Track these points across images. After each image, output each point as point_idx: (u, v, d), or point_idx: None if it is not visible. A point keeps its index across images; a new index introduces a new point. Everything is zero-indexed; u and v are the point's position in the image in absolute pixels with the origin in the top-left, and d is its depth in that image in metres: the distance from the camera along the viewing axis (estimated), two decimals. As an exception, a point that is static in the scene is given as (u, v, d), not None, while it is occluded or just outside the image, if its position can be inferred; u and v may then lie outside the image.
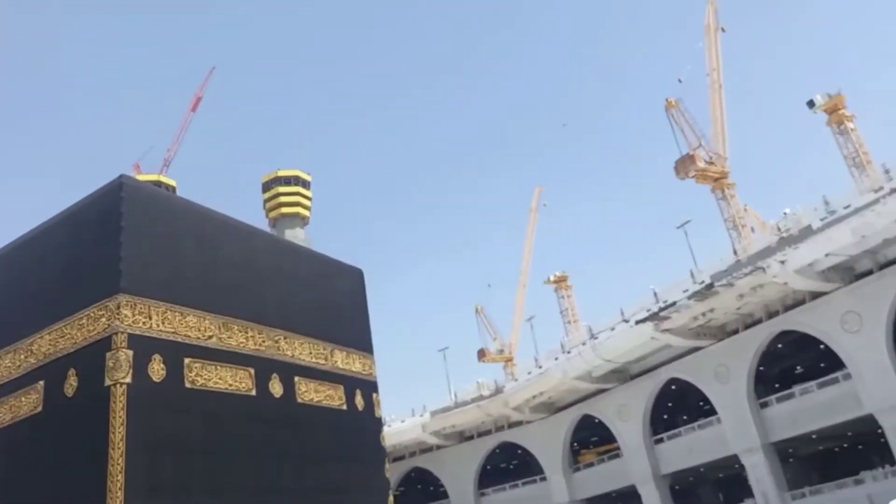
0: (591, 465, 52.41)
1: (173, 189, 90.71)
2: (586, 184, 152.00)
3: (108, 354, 9.09)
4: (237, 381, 10.49)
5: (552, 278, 73.44)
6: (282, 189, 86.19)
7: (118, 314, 9.24)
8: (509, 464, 57.02)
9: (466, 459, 54.46)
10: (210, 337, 10.33)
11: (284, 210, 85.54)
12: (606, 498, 50.71)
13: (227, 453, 10.04)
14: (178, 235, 10.51)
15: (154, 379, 9.34)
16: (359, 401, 12.83)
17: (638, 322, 40.79)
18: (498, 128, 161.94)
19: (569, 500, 51.14)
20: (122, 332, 9.17)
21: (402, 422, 54.16)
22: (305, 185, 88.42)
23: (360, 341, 13.55)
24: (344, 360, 12.83)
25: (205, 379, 10.02)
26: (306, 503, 10.97)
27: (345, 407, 12.47)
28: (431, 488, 58.08)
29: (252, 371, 10.79)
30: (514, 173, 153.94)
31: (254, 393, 10.71)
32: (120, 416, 8.76)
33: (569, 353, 45.98)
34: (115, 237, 9.60)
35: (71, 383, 9.47)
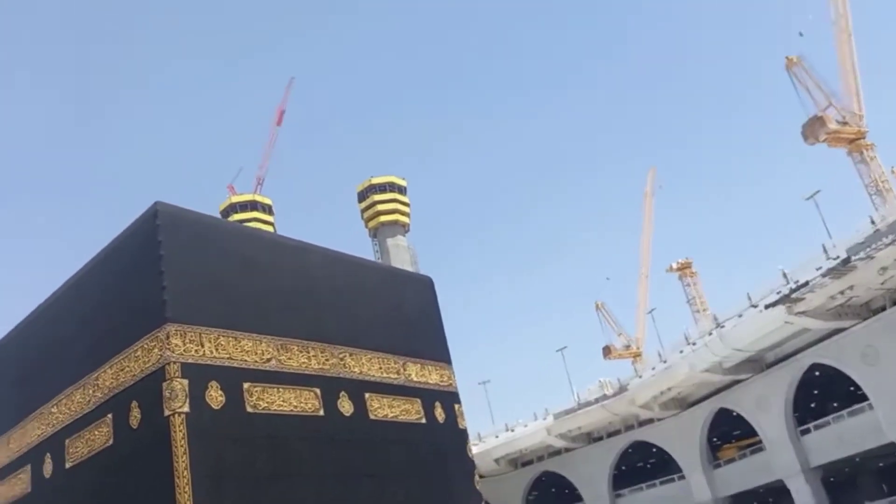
0: (732, 460, 50.28)
1: (269, 207, 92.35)
2: (704, 162, 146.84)
3: (164, 385, 9.25)
4: (302, 402, 10.48)
5: (675, 266, 71.31)
6: (377, 197, 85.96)
7: (168, 344, 9.39)
8: (644, 463, 55.52)
9: (598, 461, 53.38)
10: (269, 360, 10.36)
11: (383, 218, 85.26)
12: (752, 494, 48.51)
13: (297, 477, 10.03)
14: (223, 259, 10.59)
15: (213, 406, 9.43)
16: (439, 413, 12.61)
17: (768, 306, 38.70)
18: (604, 111, 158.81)
19: (711, 498, 49.25)
20: (175, 362, 9.31)
21: (525, 426, 53.73)
22: (401, 190, 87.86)
23: (436, 352, 13.34)
24: (419, 373, 12.64)
25: (267, 402, 10.04)
26: (386, 524, 10.83)
27: (423, 421, 12.28)
28: (566, 491, 57.30)
29: (318, 391, 10.75)
30: (625, 158, 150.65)
31: (321, 413, 10.67)
32: (182, 446, 8.88)
33: (694, 344, 44.23)
34: (155, 267, 9.77)
35: (135, 415, 9.70)
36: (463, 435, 12.97)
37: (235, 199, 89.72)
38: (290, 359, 10.67)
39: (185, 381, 9.26)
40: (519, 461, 58.51)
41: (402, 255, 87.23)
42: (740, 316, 42.04)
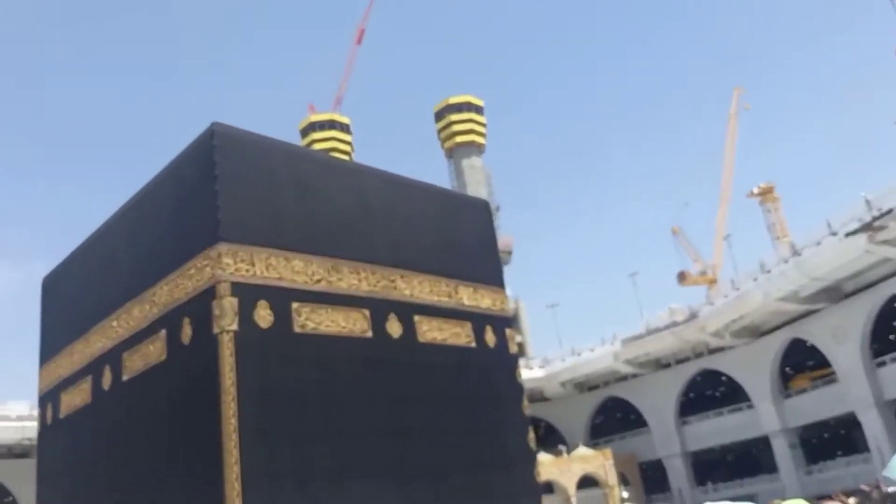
0: (803, 391, 49.71)
1: (347, 126, 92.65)
2: (790, 85, 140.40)
3: (214, 303, 9.44)
4: (351, 323, 10.59)
5: (756, 191, 69.26)
6: (454, 117, 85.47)
7: (219, 263, 9.54)
8: (713, 391, 55.27)
9: (665, 388, 53.37)
10: (319, 280, 10.47)
11: (459, 139, 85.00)
12: (822, 426, 47.99)
13: (345, 397, 10.19)
14: (277, 179, 10.64)
15: (261, 325, 9.60)
16: (489, 338, 12.60)
17: (848, 234, 37.43)
18: (689, 26, 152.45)
19: (780, 427, 48.92)
20: (225, 281, 9.48)
21: (592, 350, 53.89)
22: (479, 110, 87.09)
23: (489, 276, 13.23)
24: (471, 297, 12.61)
25: (315, 323, 10.18)
26: (433, 445, 10.95)
27: (473, 345, 12.28)
28: (632, 417, 57.64)
29: (367, 312, 10.84)
30: (710, 82, 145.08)
31: (370, 335, 10.77)
32: (229, 363, 9.09)
33: (769, 272, 43.25)
34: (210, 187, 9.88)
35: (186, 332, 9.97)
36: (513, 360, 12.93)
37: (315, 117, 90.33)
38: (340, 280, 10.76)
39: (235, 300, 9.43)
40: (585, 385, 58.92)
41: (476, 176, 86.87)
42: (819, 244, 40.83)
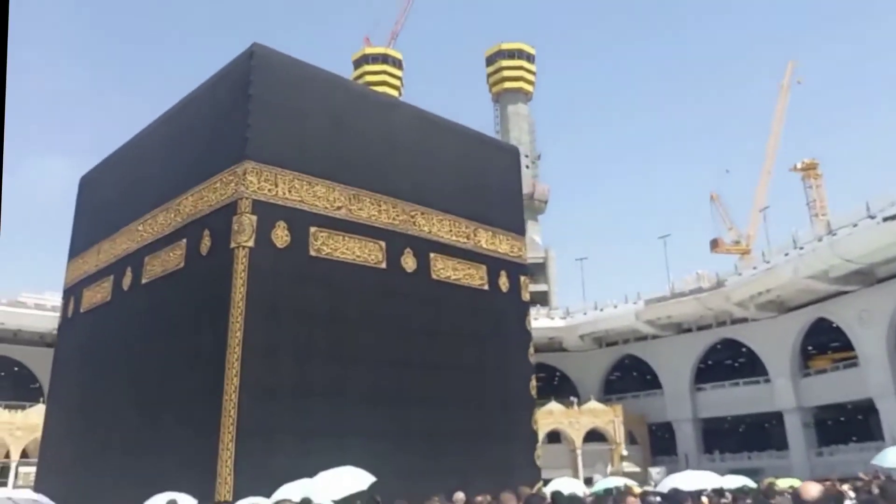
0: (823, 371, 49.32)
1: (399, 62, 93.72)
2: (844, 58, 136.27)
3: (234, 218, 9.75)
4: (366, 252, 10.87)
5: (799, 166, 67.86)
6: (505, 63, 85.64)
7: (244, 180, 9.82)
8: (732, 361, 55.14)
9: (683, 352, 53.27)
10: (339, 208, 10.71)
11: (507, 84, 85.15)
12: (839, 408, 47.80)
13: (352, 323, 10.54)
14: (310, 105, 10.82)
15: (277, 245, 9.91)
16: (503, 282, 12.86)
17: (886, 219, 36.73)
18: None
19: (795, 405, 48.83)
20: (247, 198, 9.77)
21: (615, 307, 53.83)
22: (529, 58, 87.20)
23: (510, 222, 13.44)
24: (489, 241, 12.83)
25: (331, 248, 10.47)
26: (435, 378, 11.33)
27: (486, 287, 12.56)
28: (648, 377, 57.78)
29: (383, 244, 11.11)
30: (764, 48, 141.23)
31: (384, 266, 11.05)
32: (241, 278, 9.44)
33: (801, 248, 42.64)
34: (243, 105, 10.12)
35: (205, 243, 10.33)
36: (524, 306, 13.22)
37: (369, 50, 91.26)
38: (360, 209, 10.99)
39: (254, 218, 9.73)
40: (604, 341, 59.03)
41: (520, 122, 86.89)
42: (855, 225, 40.06)
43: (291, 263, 10.02)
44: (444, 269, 11.91)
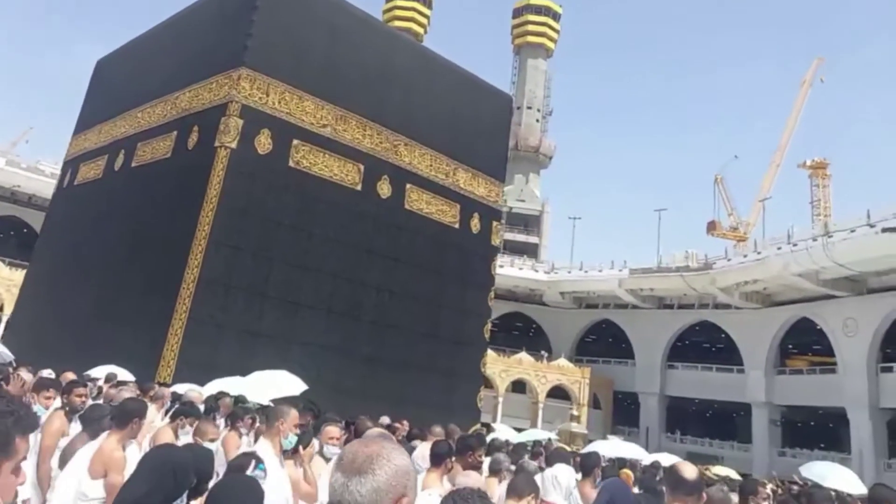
0: (798, 371, 50.25)
1: (429, 1, 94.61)
2: (867, 58, 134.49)
3: (222, 119, 10.38)
4: (343, 173, 11.53)
5: (809, 163, 68.04)
6: (531, 17, 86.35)
7: (237, 85, 10.43)
8: (710, 345, 56.05)
9: (661, 327, 54.16)
10: (325, 126, 11.33)
11: (530, 38, 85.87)
12: (810, 411, 48.78)
13: (318, 236, 11.24)
14: (313, 24, 11.35)
15: (259, 151, 10.57)
16: (475, 224, 13.53)
17: (885, 230, 37.23)
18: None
19: (765, 400, 49.85)
20: (237, 102, 10.39)
21: (599, 271, 54.58)
22: (556, 16, 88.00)
23: (492, 167, 14.04)
24: (467, 181, 13.46)
25: (310, 163, 11.13)
26: (392, 303, 12.08)
27: (457, 225, 13.23)
28: (623, 345, 58.77)
29: (361, 167, 11.75)
30: (790, 39, 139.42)
31: (359, 188, 11.72)
32: (219, 176, 10.12)
33: (795, 245, 43.21)
34: (248, 15, 10.66)
35: (193, 138, 10.98)
36: (492, 250, 13.90)
37: None
38: (345, 130, 11.60)
39: (241, 121, 10.36)
40: (584, 302, 59.93)
41: (537, 77, 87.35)
42: (853, 231, 40.55)
43: (269, 170, 10.67)
44: (419, 201, 12.56)
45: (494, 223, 13.49)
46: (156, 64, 12.95)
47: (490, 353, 52.41)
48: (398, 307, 11.96)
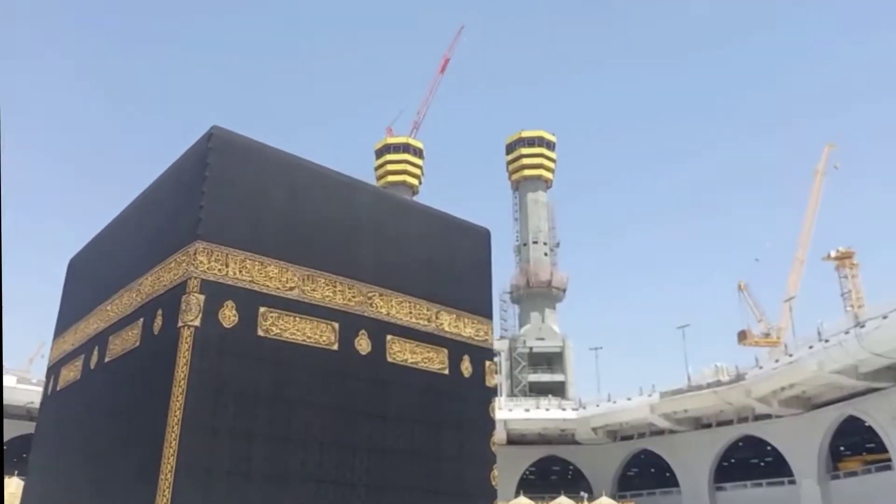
0: (853, 473, 48.58)
1: (420, 151, 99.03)
2: (882, 142, 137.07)
3: (183, 298, 10.30)
4: (317, 334, 11.32)
5: (833, 254, 68.21)
6: (525, 150, 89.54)
7: (194, 260, 10.41)
8: (757, 460, 54.41)
9: (702, 449, 52.78)
10: (292, 288, 11.23)
11: (526, 172, 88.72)
12: (872, 514, 46.70)
13: (299, 404, 10.91)
14: (267, 186, 11.46)
15: (224, 325, 10.41)
16: (466, 367, 13.19)
17: (919, 311, 36.74)
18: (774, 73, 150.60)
19: (822, 510, 47.85)
20: (196, 278, 10.33)
21: (629, 399, 53.68)
22: (549, 146, 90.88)
23: (477, 305, 13.84)
24: (452, 324, 13.23)
25: (280, 329, 10.95)
26: (385, 465, 11.58)
27: (446, 372, 12.89)
28: (667, 474, 57.06)
29: (336, 325, 11.55)
30: (797, 127, 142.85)
31: (335, 348, 11.47)
32: (185, 357, 9.92)
33: (827, 341, 42.54)
34: (199, 186, 10.79)
35: (158, 322, 10.87)
36: (488, 393, 13.52)
37: (391, 140, 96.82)
38: (314, 290, 11.49)
39: (202, 297, 10.27)
40: (618, 434, 58.70)
41: (539, 210, 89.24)
42: (885, 317, 40.03)
43: (238, 343, 10.48)
44: (402, 351, 12.32)
45: (487, 363, 13.22)
46: (122, 251, 13.10)
47: (526, 501, 50.76)
48: (392, 467, 11.51)
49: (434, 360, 12.80)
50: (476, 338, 13.63)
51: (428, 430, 12.36)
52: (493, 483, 13.02)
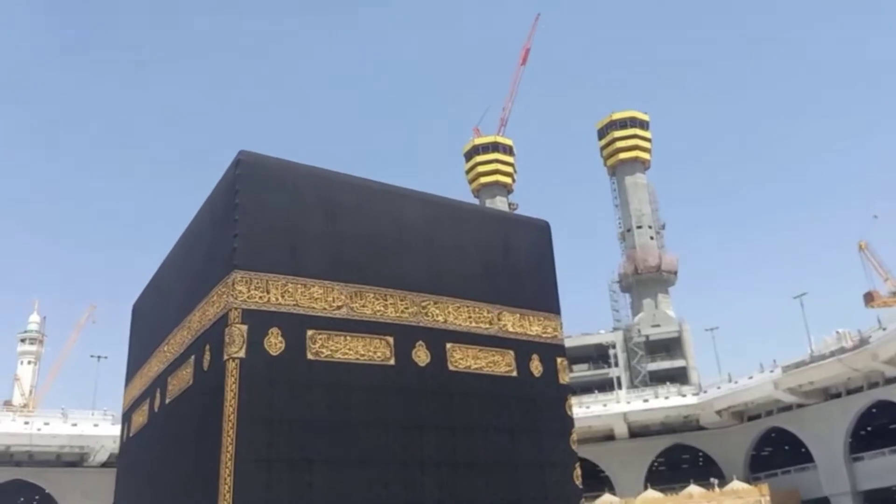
0: None
1: (510, 148, 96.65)
2: None
3: (226, 330, 10.04)
4: (371, 350, 10.88)
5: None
6: (617, 133, 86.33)
7: (233, 290, 10.14)
8: (894, 425, 51.05)
9: (834, 420, 49.90)
10: (339, 307, 10.84)
11: (622, 156, 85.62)
12: None
13: (358, 425, 10.50)
14: (302, 205, 11.11)
15: (271, 352, 10.10)
16: (535, 366, 12.54)
17: None
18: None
19: (974, 472, 44.51)
20: (236, 308, 10.06)
21: (750, 378, 51.37)
22: (643, 125, 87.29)
23: (541, 302, 13.18)
24: (516, 323, 12.60)
25: (331, 350, 10.56)
26: (459, 477, 11.05)
27: (515, 374, 12.28)
28: (802, 450, 54.28)
29: (390, 339, 11.10)
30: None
31: (392, 362, 11.03)
32: (232, 390, 9.66)
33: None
34: (231, 215, 10.53)
35: (206, 358, 10.66)
36: (562, 390, 12.81)
37: (478, 141, 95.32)
38: (363, 306, 11.07)
39: (244, 327, 9.99)
40: (744, 414, 56.27)
41: (639, 193, 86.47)
42: None
43: (287, 370, 10.16)
44: (464, 358, 11.77)
45: (559, 360, 12.55)
46: (173, 290, 13.06)
47: (654, 494, 49.11)
48: (466, 481, 10.97)
49: (500, 363, 12.20)
50: (544, 335, 12.95)
51: (500, 437, 11.77)
52: (577, 482, 12.29)
